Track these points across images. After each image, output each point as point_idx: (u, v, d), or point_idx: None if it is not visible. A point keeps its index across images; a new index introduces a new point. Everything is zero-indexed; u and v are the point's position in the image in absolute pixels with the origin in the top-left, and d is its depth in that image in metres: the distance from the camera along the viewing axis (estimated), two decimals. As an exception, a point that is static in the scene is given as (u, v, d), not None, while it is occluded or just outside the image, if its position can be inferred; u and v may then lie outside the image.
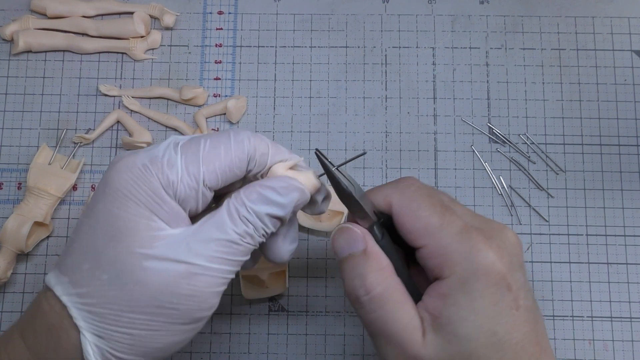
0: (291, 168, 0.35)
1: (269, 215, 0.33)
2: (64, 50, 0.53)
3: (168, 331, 0.32)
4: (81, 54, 0.53)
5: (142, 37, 0.53)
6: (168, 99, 0.52)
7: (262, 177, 0.35)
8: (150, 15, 0.54)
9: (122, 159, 0.32)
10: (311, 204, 0.36)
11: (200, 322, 0.33)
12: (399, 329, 0.32)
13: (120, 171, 0.32)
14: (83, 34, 0.53)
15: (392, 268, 0.34)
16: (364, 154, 0.37)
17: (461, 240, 0.32)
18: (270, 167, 0.34)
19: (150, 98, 0.52)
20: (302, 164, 0.35)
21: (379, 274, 0.33)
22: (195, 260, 0.31)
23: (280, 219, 0.33)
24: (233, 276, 0.33)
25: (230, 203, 0.32)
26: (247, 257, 0.33)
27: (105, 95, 0.52)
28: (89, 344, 0.31)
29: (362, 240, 0.34)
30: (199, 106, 0.52)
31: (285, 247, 0.36)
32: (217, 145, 0.33)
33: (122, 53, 0.53)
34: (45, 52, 0.53)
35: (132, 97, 0.52)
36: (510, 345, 0.31)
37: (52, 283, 0.32)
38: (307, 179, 0.34)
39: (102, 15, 0.54)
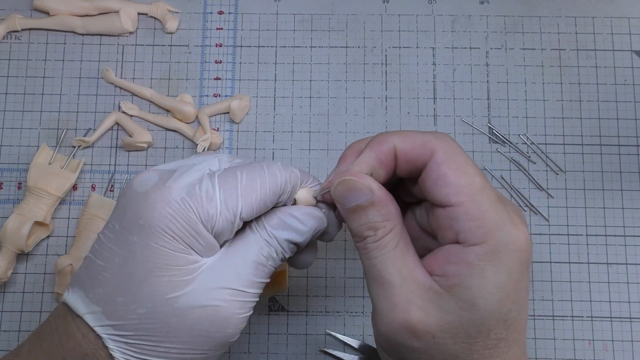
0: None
1: (288, 240, 0.34)
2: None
3: (199, 357, 0.32)
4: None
5: (130, 32, 0.53)
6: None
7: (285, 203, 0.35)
8: (152, 16, 0.54)
9: (154, 189, 0.32)
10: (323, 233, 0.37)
11: (227, 347, 0.34)
12: (397, 277, 0.31)
13: (156, 205, 0.31)
14: (71, 32, 0.53)
15: (400, 215, 0.33)
16: None
17: (498, 209, 0.31)
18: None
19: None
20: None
21: (388, 220, 0.32)
22: (232, 285, 0.32)
23: (297, 244, 0.34)
24: (258, 299, 0.34)
25: (254, 228, 0.34)
26: (268, 280, 0.34)
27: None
28: None
29: (369, 191, 0.32)
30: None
31: (306, 259, 0.37)
32: (253, 179, 0.33)
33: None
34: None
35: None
36: (518, 325, 0.31)
37: (82, 311, 0.32)
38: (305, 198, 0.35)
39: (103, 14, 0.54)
